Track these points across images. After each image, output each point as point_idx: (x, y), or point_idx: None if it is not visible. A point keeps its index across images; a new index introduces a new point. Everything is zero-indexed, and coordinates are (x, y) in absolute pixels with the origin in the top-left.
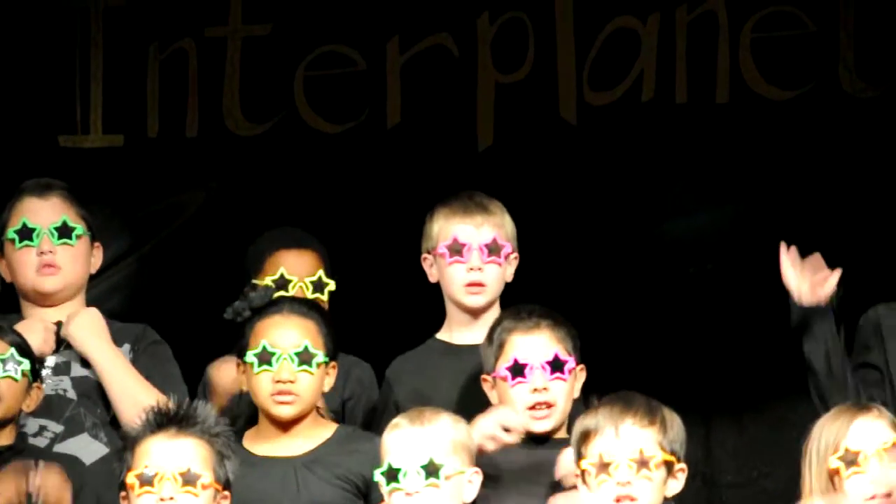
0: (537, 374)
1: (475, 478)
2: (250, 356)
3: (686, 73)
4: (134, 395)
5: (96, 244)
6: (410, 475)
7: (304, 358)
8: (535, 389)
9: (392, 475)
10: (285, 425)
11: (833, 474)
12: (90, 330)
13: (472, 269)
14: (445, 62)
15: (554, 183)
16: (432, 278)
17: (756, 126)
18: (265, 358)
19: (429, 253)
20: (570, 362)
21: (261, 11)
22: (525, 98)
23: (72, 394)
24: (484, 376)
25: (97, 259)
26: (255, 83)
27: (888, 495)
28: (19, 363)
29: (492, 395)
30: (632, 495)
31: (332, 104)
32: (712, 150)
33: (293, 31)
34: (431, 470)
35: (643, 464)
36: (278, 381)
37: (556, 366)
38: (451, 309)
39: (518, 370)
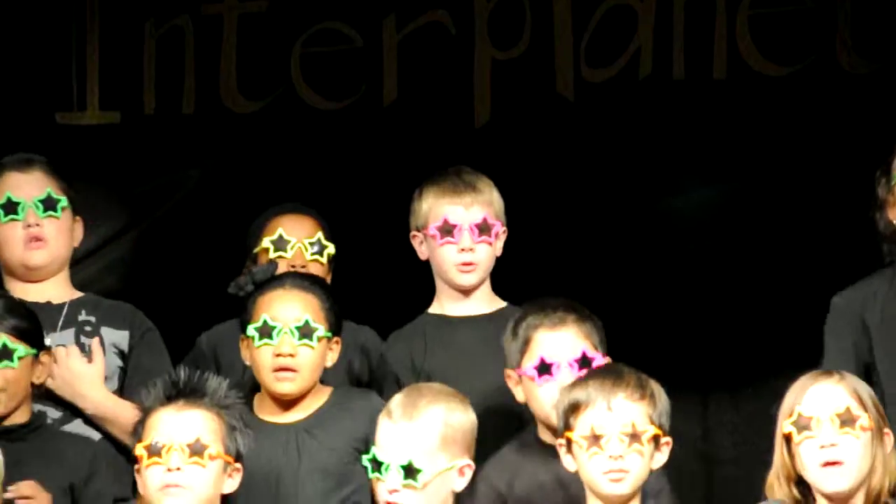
0: (565, 372)
1: (467, 470)
2: (251, 330)
3: (683, 49)
4: (128, 424)
5: (77, 218)
6: (392, 471)
7: (305, 332)
8: None
9: (376, 466)
10: (287, 402)
11: (787, 439)
12: (74, 387)
13: (463, 249)
14: (442, 39)
15: (551, 159)
16: (422, 256)
17: (753, 102)
18: (266, 331)
19: (418, 231)
20: (598, 358)
21: None
22: (522, 74)
23: None
24: (508, 372)
25: (79, 232)
26: (252, 60)
27: (840, 462)
28: (13, 350)
29: (517, 391)
30: (623, 468)
31: (329, 81)
32: (710, 125)
33: (290, 7)
34: (410, 472)
35: (635, 437)
36: (279, 355)
37: (584, 363)
38: (440, 286)
39: (545, 368)
